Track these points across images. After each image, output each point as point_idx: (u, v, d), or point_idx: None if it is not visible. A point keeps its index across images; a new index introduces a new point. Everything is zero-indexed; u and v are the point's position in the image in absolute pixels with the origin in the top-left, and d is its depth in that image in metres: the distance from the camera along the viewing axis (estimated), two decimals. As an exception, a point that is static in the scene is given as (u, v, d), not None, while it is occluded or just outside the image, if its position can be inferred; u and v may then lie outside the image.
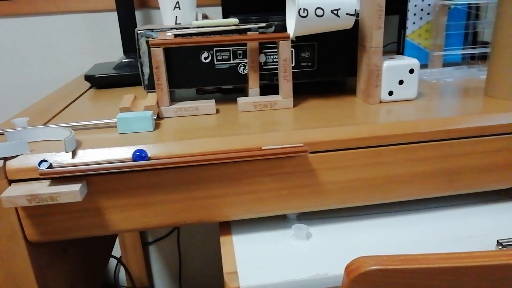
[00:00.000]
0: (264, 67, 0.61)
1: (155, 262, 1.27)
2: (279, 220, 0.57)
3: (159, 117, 0.57)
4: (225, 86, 0.76)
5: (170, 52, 0.58)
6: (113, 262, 1.23)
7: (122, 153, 0.47)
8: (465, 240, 0.50)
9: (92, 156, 0.47)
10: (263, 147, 0.48)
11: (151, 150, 0.47)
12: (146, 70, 0.60)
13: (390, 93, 0.59)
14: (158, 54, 0.55)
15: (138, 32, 0.58)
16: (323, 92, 0.68)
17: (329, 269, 0.46)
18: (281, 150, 0.48)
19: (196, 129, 0.52)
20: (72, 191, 0.43)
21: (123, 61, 0.84)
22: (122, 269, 1.25)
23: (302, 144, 0.48)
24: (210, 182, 0.49)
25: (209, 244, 1.26)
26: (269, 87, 0.63)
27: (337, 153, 0.50)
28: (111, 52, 1.04)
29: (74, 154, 0.46)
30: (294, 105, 0.61)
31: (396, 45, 0.87)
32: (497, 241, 0.49)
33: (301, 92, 0.69)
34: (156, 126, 0.54)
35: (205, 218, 0.51)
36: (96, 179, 0.47)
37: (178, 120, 0.56)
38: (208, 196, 0.49)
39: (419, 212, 0.57)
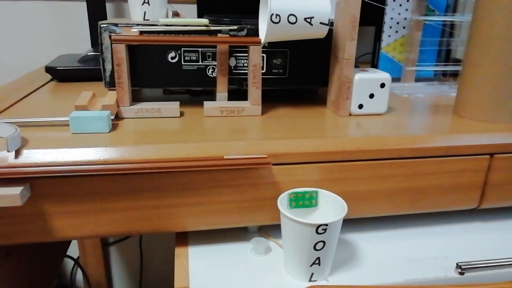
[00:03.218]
0: (234, 71, 0.59)
1: (115, 263, 1.22)
2: (240, 232, 0.55)
3: (118, 117, 0.54)
4: (194, 88, 0.73)
5: (135, 49, 0.55)
6: (70, 263, 1.18)
7: (72, 155, 0.43)
8: (423, 261, 0.49)
9: (38, 157, 0.43)
10: (225, 157, 0.46)
11: (104, 154, 0.44)
12: (108, 67, 0.57)
13: (360, 106, 0.58)
14: (120, 51, 0.51)
15: (102, 26, 0.55)
16: (294, 101, 0.67)
17: (286, 287, 0.44)
18: (244, 160, 0.45)
19: (156, 132, 0.49)
20: (11, 195, 0.40)
21: (89, 54, 0.79)
22: (79, 270, 1.20)
23: (266, 156, 0.46)
24: (166, 191, 0.46)
25: (172, 246, 1.22)
26: (240, 92, 0.61)
27: (301, 166, 0.48)
28: (80, 43, 0.99)
29: (18, 153, 0.43)
30: (263, 113, 0.59)
31: (371, 57, 0.86)
32: (457, 263, 0.48)
33: (271, 100, 0.67)
34: (114, 127, 0.51)
35: (160, 228, 0.48)
36: (41, 183, 0.43)
37: (138, 122, 0.53)
38: (163, 205, 0.47)
39: (379, 230, 0.56)
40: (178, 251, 0.50)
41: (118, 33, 0.54)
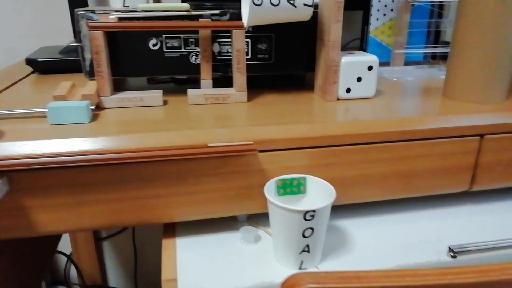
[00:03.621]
0: (218, 57, 0.58)
1: (109, 259, 1.21)
2: (229, 222, 0.54)
3: (99, 107, 0.53)
4: (178, 76, 0.72)
5: (115, 37, 0.53)
6: (63, 259, 1.17)
7: (50, 147, 0.42)
8: (416, 245, 0.49)
9: (15, 149, 0.41)
10: (209, 145, 0.44)
11: (83, 144, 0.43)
12: (87, 56, 0.55)
13: (348, 90, 0.57)
14: (98, 38, 0.50)
15: (78, 13, 0.53)
16: (281, 87, 0.65)
17: (276, 276, 0.44)
18: (228, 148, 0.44)
19: (138, 122, 0.48)
20: (-13, 190, 0.38)
21: (71, 45, 0.77)
22: (73, 266, 1.18)
23: (251, 142, 0.45)
24: (151, 181, 0.45)
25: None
26: (226, 79, 0.59)
27: (288, 152, 0.47)
28: (63, 35, 0.97)
29: (-7, 147, 0.41)
30: (249, 100, 0.57)
31: (359, 42, 0.85)
32: (449, 247, 0.48)
33: (258, 86, 0.65)
34: (94, 117, 0.49)
35: (146, 220, 0.47)
36: (19, 176, 0.42)
37: (121, 112, 0.52)
38: (148, 196, 0.45)
39: (371, 215, 0.55)
40: (166, 242, 0.49)
41: (95, 20, 0.52)
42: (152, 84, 0.68)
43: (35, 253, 0.73)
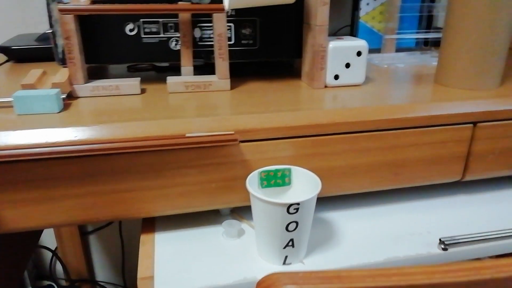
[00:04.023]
0: (199, 43, 0.55)
1: (95, 252, 1.19)
2: (212, 216, 0.51)
3: (72, 96, 0.50)
4: (159, 64, 0.69)
5: (89, 21, 0.50)
6: (49, 253, 1.14)
7: (15, 138, 0.39)
8: (406, 238, 0.47)
9: (-23, 141, 0.38)
10: (187, 135, 0.42)
11: (52, 136, 0.40)
12: (60, 42, 0.52)
13: (336, 77, 0.54)
14: (69, 23, 0.46)
15: (49, -5, 0.50)
16: (267, 75, 0.63)
17: (259, 272, 0.41)
18: (208, 138, 0.42)
19: (112, 111, 0.45)
20: None
21: (48, 32, 0.74)
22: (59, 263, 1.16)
23: (232, 132, 0.43)
24: (125, 174, 0.42)
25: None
26: (211, 67, 0.56)
27: (272, 142, 0.45)
28: (42, 23, 0.93)
29: (-48, 139, 0.38)
30: (232, 87, 0.55)
31: (350, 29, 0.82)
32: (440, 239, 0.46)
33: (244, 74, 0.63)
34: (66, 107, 0.46)
35: (121, 215, 0.44)
36: (-18, 170, 0.39)
37: (95, 101, 0.49)
38: (123, 189, 0.43)
39: (359, 207, 0.53)
40: (144, 238, 0.47)
41: (66, 2, 0.49)
42: (132, 72, 0.65)
43: (13, 247, 0.70)
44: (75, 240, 1.12)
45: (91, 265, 1.20)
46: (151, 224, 0.49)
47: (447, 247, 0.45)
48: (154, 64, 0.69)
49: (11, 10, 0.91)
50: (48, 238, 1.12)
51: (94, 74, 0.61)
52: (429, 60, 0.71)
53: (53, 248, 1.11)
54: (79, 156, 0.40)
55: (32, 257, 1.11)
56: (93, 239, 1.17)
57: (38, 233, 0.88)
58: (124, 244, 1.18)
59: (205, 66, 0.67)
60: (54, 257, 1.14)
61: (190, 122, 0.43)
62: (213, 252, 0.44)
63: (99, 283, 1.21)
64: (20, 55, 0.70)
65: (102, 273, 1.22)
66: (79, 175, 0.41)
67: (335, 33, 0.98)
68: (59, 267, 1.17)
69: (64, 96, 0.46)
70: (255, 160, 0.45)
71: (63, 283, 1.16)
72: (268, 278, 0.24)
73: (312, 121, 0.45)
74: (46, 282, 1.15)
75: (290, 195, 0.45)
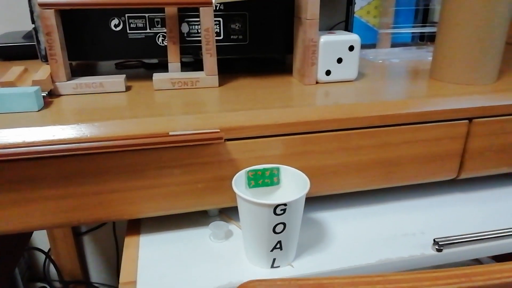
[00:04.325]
0: (187, 38, 0.53)
1: (90, 253, 1.17)
2: (199, 217, 0.50)
3: (54, 94, 0.48)
4: (147, 60, 0.67)
5: (72, 16, 0.49)
6: (42, 254, 1.13)
7: (-10, 139, 0.37)
8: (399, 239, 0.45)
9: (-50, 141, 0.37)
10: (171, 133, 0.40)
11: (29, 135, 0.38)
12: (42, 38, 0.50)
13: (328, 72, 0.53)
14: (50, 18, 0.45)
15: (29, -10, 0.48)
16: (258, 71, 0.61)
17: (246, 276, 0.40)
18: (192, 136, 0.40)
19: (95, 109, 0.43)
20: None
21: (35, 29, 0.72)
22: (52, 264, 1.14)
23: (218, 130, 0.41)
24: (106, 175, 0.41)
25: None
26: (200, 64, 0.55)
27: (260, 140, 0.43)
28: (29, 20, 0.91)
29: None
30: (221, 84, 0.53)
31: (344, 26, 0.80)
32: (434, 240, 0.44)
33: (233, 70, 0.61)
34: (47, 105, 0.45)
35: (104, 217, 0.42)
36: (-44, 171, 0.38)
37: (78, 99, 0.47)
38: (104, 191, 0.41)
39: (351, 207, 0.52)
40: (128, 240, 0.45)
41: (47, -3, 0.47)
42: (120, 69, 0.63)
43: (1, 248, 0.69)
44: (68, 241, 1.10)
45: (85, 266, 1.18)
46: (136, 226, 0.48)
47: (441, 247, 0.44)
48: (142, 61, 0.67)
49: (1, 8, 0.89)
50: (41, 239, 1.11)
51: (81, 72, 0.59)
52: (425, 55, 0.70)
53: (46, 249, 1.09)
54: (57, 156, 0.39)
55: (25, 258, 1.10)
56: (87, 240, 1.15)
57: (27, 234, 0.86)
58: (118, 244, 1.17)
59: (195, 63, 0.66)
60: (47, 259, 1.13)
61: (174, 120, 0.41)
62: (200, 255, 0.43)
63: (94, 284, 1.19)
64: (6, 53, 0.68)
65: (96, 274, 1.20)
66: (58, 176, 0.40)
67: (329, 29, 0.96)
68: (53, 268, 1.16)
69: (44, 94, 0.45)
70: (242, 159, 0.43)
71: (57, 285, 1.15)
72: (244, 286, 0.22)
73: (302, 118, 0.43)
74: (40, 284, 1.14)
75: (279, 195, 0.43)
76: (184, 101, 0.46)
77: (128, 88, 0.51)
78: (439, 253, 0.44)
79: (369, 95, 0.48)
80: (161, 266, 0.41)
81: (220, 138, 0.40)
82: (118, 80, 0.49)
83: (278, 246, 0.39)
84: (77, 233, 1.13)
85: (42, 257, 1.14)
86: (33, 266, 1.15)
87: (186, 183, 0.43)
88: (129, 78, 0.57)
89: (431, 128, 0.48)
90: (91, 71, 0.60)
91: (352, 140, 0.45)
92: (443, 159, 0.50)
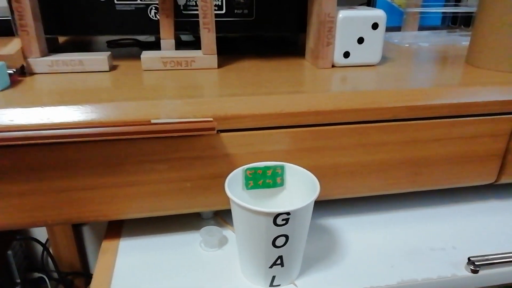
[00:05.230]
0: (184, 12, 0.46)
1: (89, 244, 1.12)
2: (191, 219, 0.43)
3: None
4: (142, 38, 0.60)
5: (48, -17, 0.42)
6: (40, 246, 1.08)
7: None
8: (426, 254, 0.38)
9: None
10: (153, 121, 0.33)
11: (-17, 119, 0.32)
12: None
13: (346, 54, 0.45)
14: (18, -19, 0.38)
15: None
16: (265, 52, 0.54)
17: (239, 295, 0.33)
18: (178, 126, 0.33)
19: (68, 91, 0.37)
20: None
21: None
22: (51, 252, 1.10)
23: (210, 119, 0.34)
24: (76, 168, 0.34)
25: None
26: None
27: (261, 132, 0.36)
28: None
29: None
30: (221, 66, 0.46)
31: (366, 4, 0.72)
32: (469, 258, 0.37)
33: (238, 50, 0.54)
34: (14, 84, 0.38)
35: (75, 217, 0.36)
36: None
37: (53, 78, 0.41)
38: (74, 187, 0.35)
39: (369, 214, 0.44)
40: (106, 245, 0.39)
41: (17, -43, 0.41)
42: (112, 48, 0.56)
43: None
44: (67, 232, 1.06)
45: (85, 258, 1.14)
46: (117, 229, 0.41)
47: (477, 268, 0.36)
48: (137, 40, 0.60)
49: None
50: (40, 229, 1.07)
51: (67, 50, 0.53)
52: (458, 40, 0.61)
53: (44, 239, 1.05)
54: (16, 145, 0.32)
55: (22, 248, 1.06)
56: (86, 231, 1.11)
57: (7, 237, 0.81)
58: (118, 236, 1.12)
59: (196, 42, 0.59)
60: (44, 251, 1.08)
61: (158, 106, 0.34)
62: (186, 265, 0.36)
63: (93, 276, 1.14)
64: (-9, 28, 0.62)
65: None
66: (20, 169, 0.33)
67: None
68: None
69: (11, 71, 0.38)
70: (240, 154, 0.36)
71: (56, 275, 1.11)
72: None
73: (313, 106, 0.36)
74: (37, 275, 1.10)
75: (282, 200, 0.36)
76: (176, 84, 0.39)
77: (113, 68, 0.44)
78: (475, 274, 0.36)
79: (395, 82, 0.40)
80: (139, 277, 0.35)
81: (213, 129, 0.33)
82: (100, 58, 0.42)
83: (278, 262, 0.32)
84: (76, 224, 1.08)
85: (40, 247, 1.10)
86: (31, 256, 1.11)
87: (172, 180, 0.36)
88: (119, 57, 0.50)
89: (468, 123, 0.40)
90: (79, 50, 0.53)
91: (373, 135, 0.38)
92: (481, 160, 0.42)
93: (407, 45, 0.58)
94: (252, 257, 0.32)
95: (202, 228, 0.39)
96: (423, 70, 0.45)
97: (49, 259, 1.11)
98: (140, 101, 0.34)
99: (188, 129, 0.33)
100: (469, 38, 0.55)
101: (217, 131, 0.35)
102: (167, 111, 0.34)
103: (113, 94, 0.36)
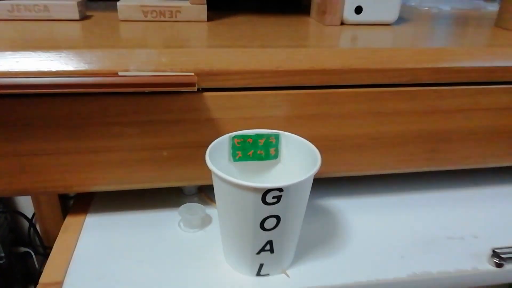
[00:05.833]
0: (170, -44, 0.39)
1: (79, 220, 1.08)
2: (172, 194, 0.37)
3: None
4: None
5: None
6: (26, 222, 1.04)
7: None
8: (442, 243, 0.32)
9: None
10: (120, 73, 0.27)
11: None
12: None
13: (358, 10, 0.38)
14: None
15: None
16: (265, 9, 0.47)
17: (222, 283, 0.28)
18: (151, 79, 0.27)
19: (25, 39, 0.31)
20: None
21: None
22: (38, 226, 1.06)
23: (191, 73, 0.28)
24: (29, 129, 0.28)
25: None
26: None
27: (254, 93, 0.30)
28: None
29: None
30: (211, 19, 0.40)
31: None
32: (493, 250, 0.31)
33: (233, 5, 0.47)
34: (-39, 29, 0.32)
35: (30, 188, 0.31)
36: None
37: (13, 26, 0.34)
38: (27, 152, 0.29)
39: (377, 195, 0.39)
40: (69, 221, 0.34)
41: None
42: (95, 1, 0.50)
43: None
44: (54, 206, 1.01)
45: (74, 233, 1.10)
46: (85, 203, 0.36)
47: (502, 262, 0.31)
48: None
49: None
50: (26, 203, 1.02)
51: None
52: (482, 4, 0.54)
53: (31, 213, 1.00)
54: (-49, 96, 0.26)
55: (8, 221, 1.02)
56: (75, 205, 1.06)
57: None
58: (109, 212, 1.07)
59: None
60: (33, 222, 1.04)
61: (128, 55, 0.28)
62: (162, 248, 0.31)
63: (82, 253, 1.10)
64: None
65: (86, 242, 1.11)
66: (-41, 127, 0.28)
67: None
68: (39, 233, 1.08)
69: (-42, 12, 0.32)
70: (227, 119, 0.30)
71: (42, 250, 1.07)
72: None
73: (317, 64, 0.30)
74: (23, 249, 1.06)
75: (276, 175, 0.31)
76: (154, 36, 0.33)
77: (85, 17, 0.38)
78: (499, 269, 0.31)
79: (415, 41, 0.34)
80: (103, 262, 0.29)
81: (193, 84, 0.27)
82: (68, 4, 0.36)
83: (267, 247, 0.26)
84: (64, 197, 1.04)
85: (26, 222, 1.05)
86: (17, 229, 1.07)
87: (145, 148, 0.30)
88: (95, 8, 0.44)
89: (499, 92, 0.34)
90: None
91: (387, 101, 0.32)
92: (510, 137, 0.36)
93: (427, 8, 0.52)
94: (236, 241, 0.27)
95: (182, 205, 0.34)
96: (445, 31, 0.39)
97: (36, 234, 1.07)
98: (107, 49, 0.28)
99: (162, 83, 0.27)
100: (494, 4, 0.48)
101: (199, 89, 0.29)
102: (139, 62, 0.28)
103: (76, 43, 0.30)
